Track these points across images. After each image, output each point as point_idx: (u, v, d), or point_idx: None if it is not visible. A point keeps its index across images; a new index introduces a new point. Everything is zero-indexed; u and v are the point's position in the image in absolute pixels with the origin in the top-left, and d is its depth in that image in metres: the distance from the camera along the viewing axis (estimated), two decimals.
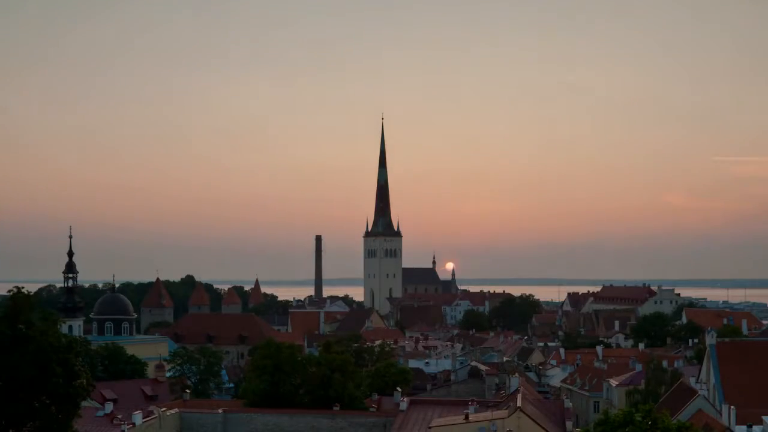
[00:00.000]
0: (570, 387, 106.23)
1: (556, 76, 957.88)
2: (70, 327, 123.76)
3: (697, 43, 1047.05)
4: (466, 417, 56.20)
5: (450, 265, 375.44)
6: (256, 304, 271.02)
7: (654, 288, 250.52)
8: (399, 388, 75.50)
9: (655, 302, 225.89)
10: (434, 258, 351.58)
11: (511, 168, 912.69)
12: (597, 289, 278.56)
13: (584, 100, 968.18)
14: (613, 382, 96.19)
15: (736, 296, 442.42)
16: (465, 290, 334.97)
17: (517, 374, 78.67)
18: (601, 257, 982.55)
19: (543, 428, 54.48)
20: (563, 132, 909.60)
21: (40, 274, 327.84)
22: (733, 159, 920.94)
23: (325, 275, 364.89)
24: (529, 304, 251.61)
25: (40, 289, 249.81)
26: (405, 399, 65.94)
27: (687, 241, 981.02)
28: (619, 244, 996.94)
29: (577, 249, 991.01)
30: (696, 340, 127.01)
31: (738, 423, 57.40)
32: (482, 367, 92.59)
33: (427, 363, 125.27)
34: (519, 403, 55.30)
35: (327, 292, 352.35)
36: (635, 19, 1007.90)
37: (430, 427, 56.50)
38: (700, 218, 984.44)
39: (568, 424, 60.24)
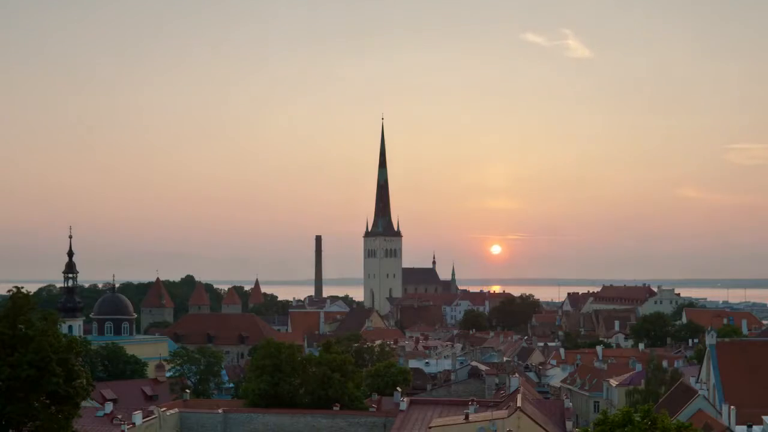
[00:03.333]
0: (570, 387, 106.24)
1: (558, 74, 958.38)
2: (70, 327, 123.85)
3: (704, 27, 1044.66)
4: (466, 417, 56.17)
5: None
6: (256, 304, 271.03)
7: (654, 288, 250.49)
8: (399, 388, 75.49)
9: (655, 302, 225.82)
10: (434, 258, 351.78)
11: (512, 167, 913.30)
12: (597, 289, 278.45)
13: (586, 97, 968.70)
14: (613, 382, 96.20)
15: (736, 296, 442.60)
16: (465, 290, 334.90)
17: (517, 374, 78.64)
18: (605, 256, 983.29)
19: (543, 428, 54.45)
20: (566, 130, 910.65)
21: (40, 274, 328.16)
22: (740, 146, 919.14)
23: (325, 275, 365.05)
24: (529, 304, 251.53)
25: (40, 289, 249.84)
26: (405, 399, 65.90)
27: (695, 237, 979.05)
28: (624, 242, 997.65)
29: (582, 248, 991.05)
30: (696, 340, 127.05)
31: (738, 423, 57.41)
32: (482, 367, 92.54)
33: (427, 363, 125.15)
34: (519, 403, 55.26)
35: (327, 292, 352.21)
36: (644, 9, 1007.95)
37: (430, 427, 56.48)
38: (709, 211, 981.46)
39: (568, 424, 60.24)
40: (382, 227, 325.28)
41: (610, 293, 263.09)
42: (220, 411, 66.97)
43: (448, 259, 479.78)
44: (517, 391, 64.10)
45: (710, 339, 77.08)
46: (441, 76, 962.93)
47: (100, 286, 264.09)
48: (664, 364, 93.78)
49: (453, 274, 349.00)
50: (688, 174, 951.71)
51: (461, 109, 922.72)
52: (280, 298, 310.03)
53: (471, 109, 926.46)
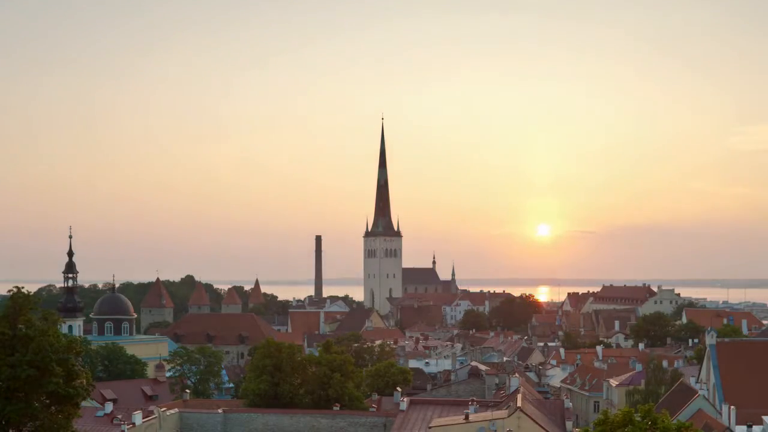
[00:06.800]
0: (570, 387, 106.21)
1: (558, 73, 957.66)
2: (70, 327, 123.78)
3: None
4: (466, 417, 56.14)
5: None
6: (256, 304, 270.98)
7: (654, 288, 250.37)
8: (399, 388, 75.46)
9: (655, 302, 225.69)
10: (434, 258, 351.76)
11: (514, 166, 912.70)
12: (597, 289, 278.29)
13: (584, 94, 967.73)
14: (613, 382, 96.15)
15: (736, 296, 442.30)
16: (465, 290, 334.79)
17: (517, 374, 78.57)
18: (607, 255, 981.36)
19: (543, 428, 54.43)
20: (566, 128, 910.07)
21: (40, 274, 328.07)
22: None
23: (325, 275, 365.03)
24: (529, 304, 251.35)
25: (40, 289, 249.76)
26: (405, 399, 65.86)
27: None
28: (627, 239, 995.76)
29: (582, 246, 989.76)
30: (696, 340, 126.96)
31: (738, 423, 57.43)
32: (482, 367, 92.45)
33: (427, 363, 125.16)
34: (519, 403, 55.25)
35: (327, 292, 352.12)
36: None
37: (430, 427, 56.46)
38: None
39: (568, 424, 60.19)
40: (382, 227, 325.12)
41: (610, 293, 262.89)
42: (220, 411, 66.95)
43: (448, 259, 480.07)
44: (517, 391, 64.05)
45: (710, 339, 77.01)
46: (442, 76, 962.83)
47: (100, 286, 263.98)
48: (664, 364, 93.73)
49: (453, 274, 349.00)
50: (689, 165, 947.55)
51: (461, 108, 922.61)
52: (280, 298, 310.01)
53: (471, 108, 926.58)
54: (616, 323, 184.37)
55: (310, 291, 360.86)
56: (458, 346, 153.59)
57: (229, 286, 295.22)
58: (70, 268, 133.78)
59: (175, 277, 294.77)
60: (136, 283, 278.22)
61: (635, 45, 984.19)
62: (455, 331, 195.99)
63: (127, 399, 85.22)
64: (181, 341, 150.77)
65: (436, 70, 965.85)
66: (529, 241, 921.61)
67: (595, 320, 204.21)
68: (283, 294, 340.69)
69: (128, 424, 59.54)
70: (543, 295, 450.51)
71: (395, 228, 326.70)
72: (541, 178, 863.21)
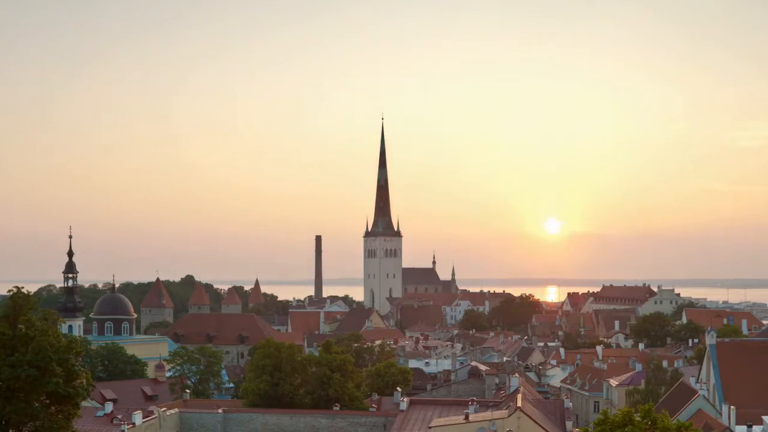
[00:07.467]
0: (570, 387, 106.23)
1: (558, 73, 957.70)
2: (70, 327, 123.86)
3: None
4: (466, 417, 56.15)
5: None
6: (256, 304, 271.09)
7: (654, 288, 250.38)
8: (399, 388, 75.47)
9: (655, 302, 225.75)
10: (434, 258, 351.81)
11: (514, 166, 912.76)
12: (597, 289, 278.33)
13: (583, 97, 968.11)
14: (613, 382, 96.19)
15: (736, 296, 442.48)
16: (465, 290, 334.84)
17: (517, 374, 78.57)
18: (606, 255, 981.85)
19: (543, 428, 54.43)
20: (567, 129, 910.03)
21: (40, 274, 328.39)
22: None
23: (325, 275, 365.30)
24: (529, 304, 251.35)
25: (40, 289, 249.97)
26: (405, 399, 65.87)
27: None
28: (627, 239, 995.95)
29: (582, 247, 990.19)
30: (696, 340, 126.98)
31: (738, 423, 57.43)
32: (482, 367, 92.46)
33: (427, 363, 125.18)
34: (519, 403, 55.25)
35: (327, 292, 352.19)
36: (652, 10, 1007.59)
37: (430, 427, 56.46)
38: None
39: (568, 424, 60.18)
40: (382, 227, 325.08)
41: (610, 293, 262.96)
42: (220, 411, 66.95)
43: (448, 259, 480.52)
44: (517, 391, 64.06)
45: (710, 339, 77.04)
46: (442, 76, 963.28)
47: (100, 286, 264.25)
48: (664, 364, 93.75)
49: (453, 274, 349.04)
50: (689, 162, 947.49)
51: (461, 108, 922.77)
52: (280, 298, 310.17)
53: (471, 108, 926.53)
54: (616, 323, 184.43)
55: (310, 291, 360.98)
56: (458, 346, 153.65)
57: (229, 286, 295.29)
58: (70, 268, 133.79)
59: (175, 277, 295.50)
60: (136, 283, 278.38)
61: (635, 45, 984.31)
62: (455, 331, 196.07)
63: (127, 399, 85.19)
64: (181, 341, 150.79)
65: (437, 69, 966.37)
66: (530, 241, 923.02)
67: (595, 320, 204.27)
68: (283, 294, 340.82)
69: (128, 424, 59.54)
70: (551, 295, 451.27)
71: (395, 228, 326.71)
72: (542, 179, 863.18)
